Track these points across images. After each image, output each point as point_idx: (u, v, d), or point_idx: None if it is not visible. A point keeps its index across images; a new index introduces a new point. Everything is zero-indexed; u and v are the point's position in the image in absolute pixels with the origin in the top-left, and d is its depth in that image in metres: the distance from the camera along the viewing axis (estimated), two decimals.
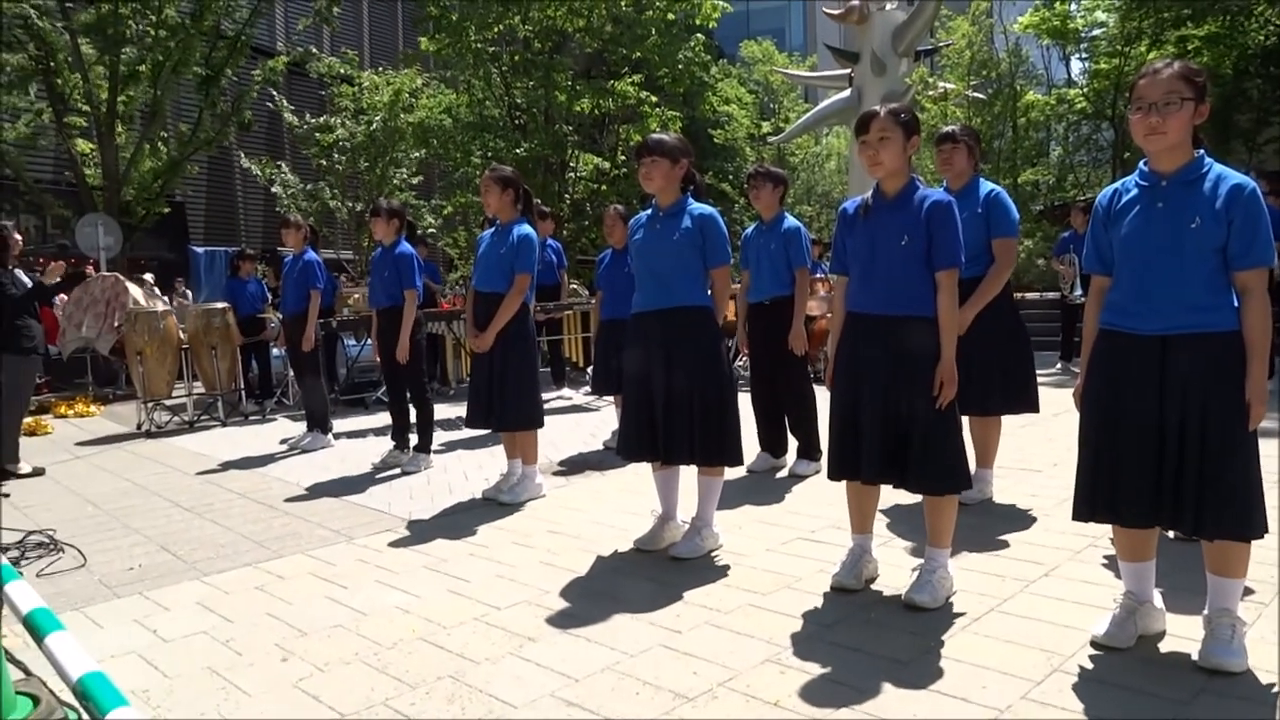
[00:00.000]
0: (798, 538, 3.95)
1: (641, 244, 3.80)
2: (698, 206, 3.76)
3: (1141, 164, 2.59)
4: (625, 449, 3.87)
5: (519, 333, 4.85)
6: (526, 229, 4.86)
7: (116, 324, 8.77)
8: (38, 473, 6.30)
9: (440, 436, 6.70)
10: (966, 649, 2.70)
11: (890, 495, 4.13)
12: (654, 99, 17.48)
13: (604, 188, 18.15)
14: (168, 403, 8.52)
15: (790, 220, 5.17)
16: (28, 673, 2.81)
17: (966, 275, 3.68)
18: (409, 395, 5.94)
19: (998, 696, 2.40)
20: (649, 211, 3.85)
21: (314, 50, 18.06)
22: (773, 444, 5.38)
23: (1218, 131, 14.19)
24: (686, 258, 3.70)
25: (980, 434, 4.30)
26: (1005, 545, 3.70)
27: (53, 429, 8.62)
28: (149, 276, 13.29)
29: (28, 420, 7.61)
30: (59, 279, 6.75)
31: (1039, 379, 4.34)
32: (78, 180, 14.43)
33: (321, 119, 18.01)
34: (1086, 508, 2.64)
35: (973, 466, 3.84)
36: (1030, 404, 4.25)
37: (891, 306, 3.02)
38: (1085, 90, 18.51)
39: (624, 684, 2.59)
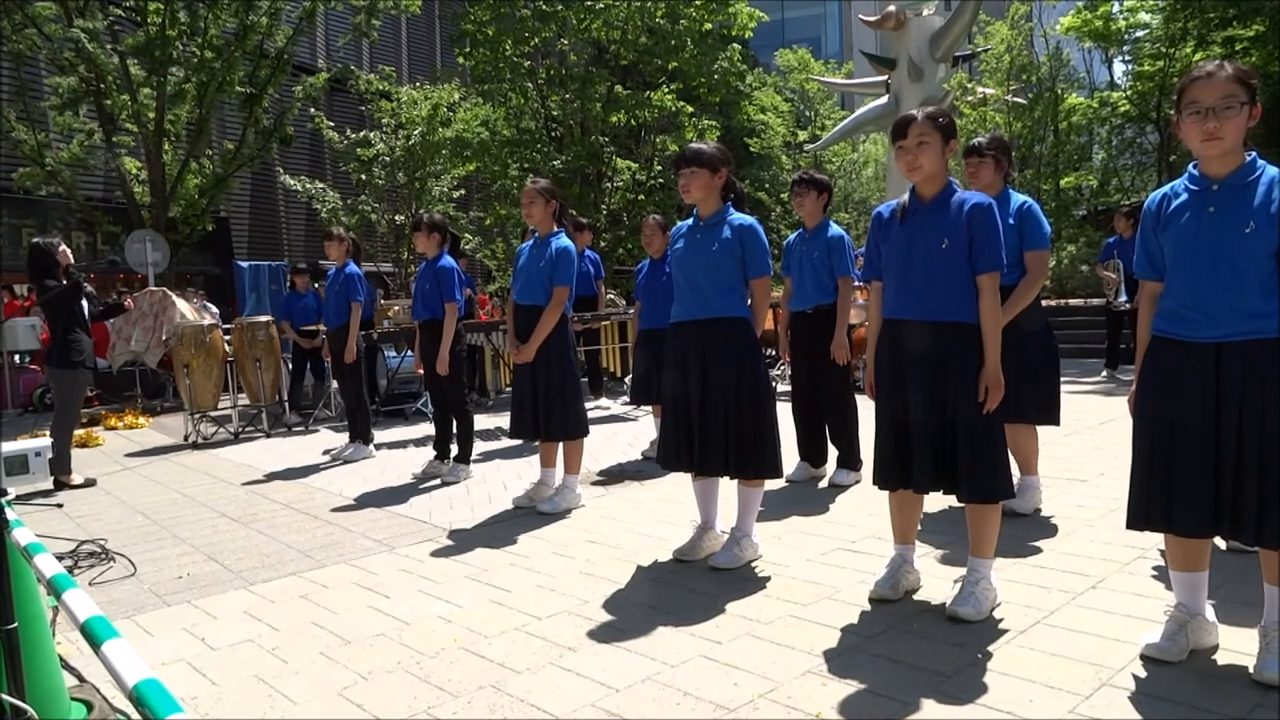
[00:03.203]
0: (838, 548, 3.92)
1: (681, 254, 3.78)
2: (738, 216, 3.73)
3: (1191, 167, 2.53)
4: (664, 458, 3.85)
5: (560, 344, 4.88)
6: (565, 241, 4.88)
7: (164, 337, 8.97)
8: (89, 484, 6.44)
9: (479, 447, 6.75)
10: (1011, 662, 2.66)
11: (931, 504, 4.09)
12: (690, 109, 17.52)
13: (641, 198, 18.22)
14: (213, 414, 8.69)
15: (834, 228, 5.14)
16: (81, 679, 2.88)
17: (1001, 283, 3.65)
18: (449, 406, 6.00)
19: (1044, 711, 2.36)
20: (690, 221, 3.83)
21: (353, 67, 18.34)
22: (812, 454, 5.34)
23: (1267, 132, 13.90)
24: (725, 268, 3.67)
25: (1018, 443, 4.23)
26: (1051, 556, 3.64)
27: (103, 441, 8.81)
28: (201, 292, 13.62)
29: (79, 432, 7.79)
30: (104, 305, 7.00)
31: (1085, 387, 4.27)
32: (126, 198, 14.80)
33: (361, 134, 18.28)
34: (1141, 515, 2.58)
35: (1016, 476, 3.80)
36: (1051, 417, 4.20)
37: (931, 312, 2.97)
38: (1129, 93, 18.25)
39: (665, 695, 2.59)
